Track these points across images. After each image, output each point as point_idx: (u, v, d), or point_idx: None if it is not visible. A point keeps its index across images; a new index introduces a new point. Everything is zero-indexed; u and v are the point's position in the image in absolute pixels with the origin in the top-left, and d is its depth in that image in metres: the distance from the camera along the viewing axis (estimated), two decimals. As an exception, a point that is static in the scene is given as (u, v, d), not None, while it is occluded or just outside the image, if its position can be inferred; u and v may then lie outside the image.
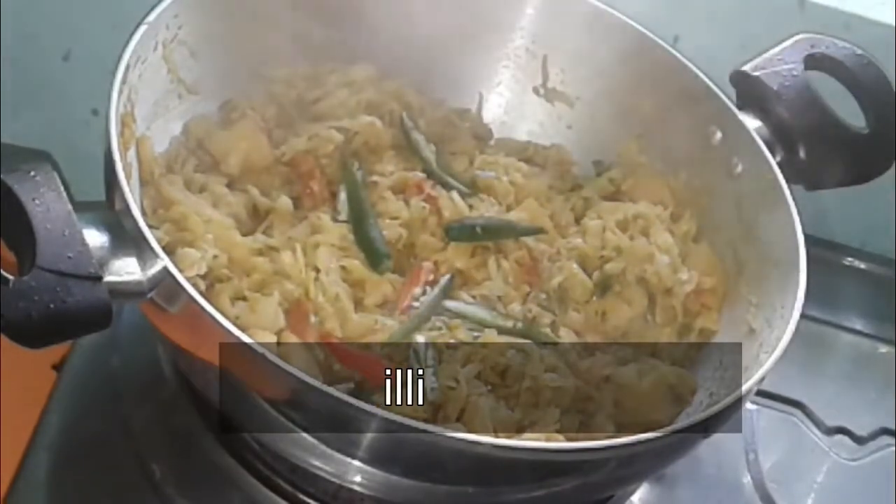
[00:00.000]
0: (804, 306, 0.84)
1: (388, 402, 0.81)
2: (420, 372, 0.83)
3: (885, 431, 1.07)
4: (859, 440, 1.06)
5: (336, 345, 0.84)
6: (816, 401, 1.08)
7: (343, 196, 0.94)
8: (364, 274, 0.89)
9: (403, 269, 0.92)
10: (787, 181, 0.92)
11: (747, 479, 1.01)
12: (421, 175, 0.97)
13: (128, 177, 0.77)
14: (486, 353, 0.86)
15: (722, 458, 1.01)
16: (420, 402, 0.82)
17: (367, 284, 0.89)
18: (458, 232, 0.94)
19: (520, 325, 0.89)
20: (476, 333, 0.87)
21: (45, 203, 0.71)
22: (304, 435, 0.74)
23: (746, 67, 0.99)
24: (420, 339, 0.85)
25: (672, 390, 0.89)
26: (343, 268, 0.88)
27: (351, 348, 0.84)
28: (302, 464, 0.80)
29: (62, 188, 0.72)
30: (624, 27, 1.02)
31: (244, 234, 0.88)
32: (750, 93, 0.99)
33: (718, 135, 0.98)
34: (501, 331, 0.88)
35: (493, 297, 0.92)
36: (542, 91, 1.07)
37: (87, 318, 0.69)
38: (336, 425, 0.72)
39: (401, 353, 0.85)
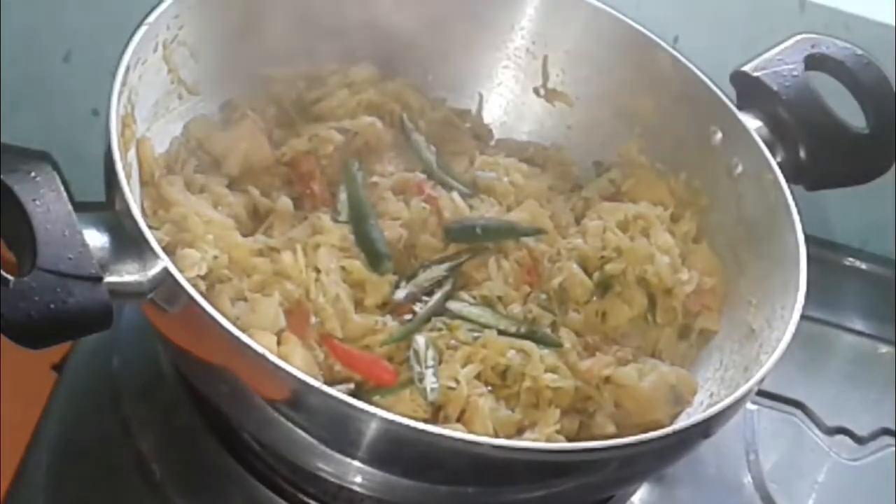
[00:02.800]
0: (804, 306, 0.84)
1: (388, 402, 0.82)
2: (420, 372, 0.83)
3: (885, 431, 1.07)
4: (859, 440, 1.06)
5: (336, 345, 0.84)
6: (816, 401, 1.08)
7: (343, 196, 0.94)
8: (364, 275, 0.89)
9: (404, 270, 0.92)
10: (788, 181, 0.92)
11: (748, 479, 1.01)
12: (421, 176, 0.97)
13: (128, 177, 0.77)
14: (486, 354, 0.86)
15: (722, 458, 1.01)
16: (420, 402, 0.82)
17: (367, 285, 0.89)
18: (459, 232, 0.94)
19: (523, 328, 0.89)
20: (476, 334, 0.87)
21: (46, 204, 0.71)
22: (305, 435, 0.74)
23: (747, 67, 0.99)
24: (420, 338, 0.86)
25: (672, 390, 0.89)
26: (343, 268, 0.88)
27: (351, 349, 0.84)
28: (302, 464, 0.80)
29: (62, 189, 0.72)
30: (624, 27, 1.02)
31: (244, 235, 0.88)
32: (750, 93, 0.99)
33: (718, 135, 0.98)
34: (502, 332, 0.88)
35: (493, 297, 0.92)
36: (542, 91, 1.07)
37: (87, 318, 0.69)
38: (336, 426, 0.72)
39: (401, 354, 0.85)
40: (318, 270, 0.87)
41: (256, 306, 0.82)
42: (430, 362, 0.84)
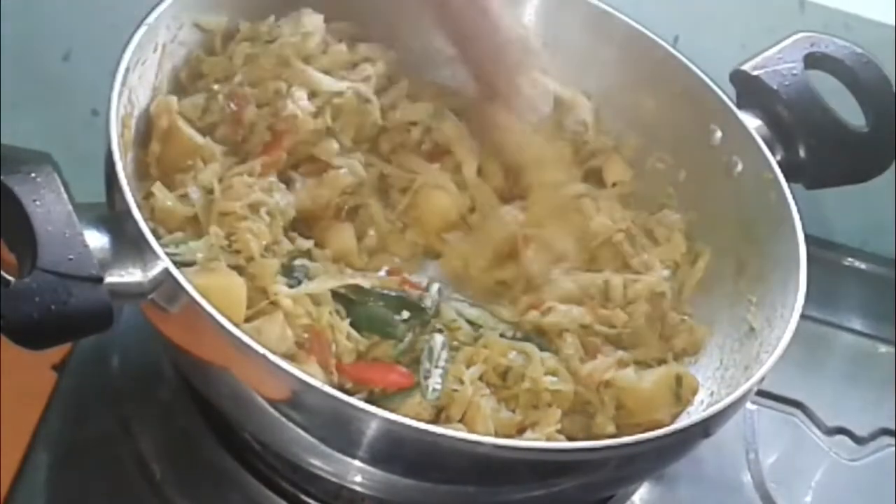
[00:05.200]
0: (804, 306, 0.84)
1: (394, 404, 0.81)
2: (427, 369, 0.83)
3: (885, 431, 1.07)
4: (859, 440, 1.06)
5: (349, 370, 0.83)
6: (816, 401, 1.08)
7: None
8: None
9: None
10: (787, 180, 0.93)
11: (747, 479, 1.01)
12: None
13: (128, 178, 0.77)
14: (488, 355, 0.85)
15: (722, 458, 1.01)
16: (425, 404, 0.82)
17: None
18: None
19: (519, 334, 0.89)
20: (471, 332, 0.87)
21: (46, 204, 0.71)
22: (305, 435, 0.74)
23: (746, 67, 0.99)
24: (438, 337, 0.85)
25: (673, 390, 0.89)
26: None
27: (362, 364, 0.83)
28: (303, 464, 0.80)
29: (62, 189, 0.72)
30: (624, 27, 1.02)
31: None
32: (750, 92, 0.99)
33: (718, 134, 0.98)
34: (502, 334, 0.88)
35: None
36: (541, 91, 1.07)
37: (88, 319, 0.69)
38: (337, 426, 0.72)
39: (407, 357, 0.85)
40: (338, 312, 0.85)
41: (263, 327, 0.81)
42: (441, 363, 0.84)
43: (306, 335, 0.82)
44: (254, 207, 0.85)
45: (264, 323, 0.81)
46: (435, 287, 0.89)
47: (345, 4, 0.99)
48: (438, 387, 0.82)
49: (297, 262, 0.86)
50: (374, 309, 0.86)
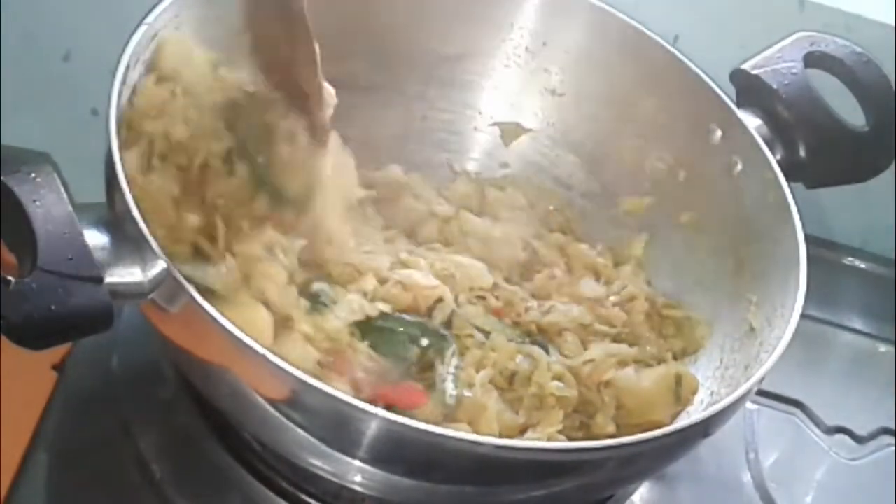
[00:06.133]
0: (804, 306, 0.84)
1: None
2: (442, 374, 0.83)
3: (885, 431, 1.07)
4: (859, 440, 1.06)
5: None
6: (816, 400, 1.08)
7: None
8: None
9: None
10: (788, 179, 0.93)
11: (747, 478, 1.01)
12: None
13: (128, 178, 0.77)
14: (496, 358, 0.85)
15: (722, 458, 1.01)
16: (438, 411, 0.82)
17: None
18: None
19: (528, 340, 0.89)
20: (482, 340, 0.87)
21: (46, 204, 0.70)
22: (306, 435, 0.74)
23: (746, 66, 0.99)
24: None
25: (672, 390, 0.89)
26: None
27: (385, 388, 0.83)
28: (303, 464, 0.80)
29: (63, 189, 0.72)
30: (624, 27, 1.02)
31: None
32: (750, 91, 0.99)
33: (718, 134, 0.98)
34: (509, 337, 0.88)
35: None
36: (542, 91, 1.07)
37: (88, 319, 0.69)
38: (337, 425, 0.72)
39: (420, 364, 0.85)
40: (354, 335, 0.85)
41: (283, 349, 0.80)
42: (452, 369, 0.84)
43: (329, 358, 0.82)
44: (269, 247, 0.85)
45: (284, 344, 0.81)
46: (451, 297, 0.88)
47: (334, 9, 0.99)
48: (454, 392, 0.82)
49: (316, 286, 0.86)
50: (389, 335, 0.86)
